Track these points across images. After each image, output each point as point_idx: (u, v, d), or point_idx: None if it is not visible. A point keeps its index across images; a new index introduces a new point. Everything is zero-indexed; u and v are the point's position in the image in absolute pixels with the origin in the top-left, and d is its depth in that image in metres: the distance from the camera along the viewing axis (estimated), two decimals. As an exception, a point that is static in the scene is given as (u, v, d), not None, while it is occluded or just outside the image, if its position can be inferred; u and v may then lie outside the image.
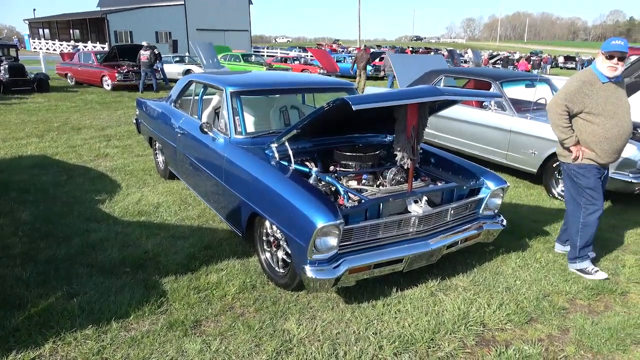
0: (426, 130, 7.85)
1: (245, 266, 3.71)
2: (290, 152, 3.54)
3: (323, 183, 3.53)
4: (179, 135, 4.92)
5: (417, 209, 3.28)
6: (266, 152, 3.76)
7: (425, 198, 3.35)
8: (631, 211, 5.23)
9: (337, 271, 2.95)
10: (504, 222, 3.85)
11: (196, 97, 4.98)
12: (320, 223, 2.81)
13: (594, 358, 2.79)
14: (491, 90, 6.54)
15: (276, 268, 3.49)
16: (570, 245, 3.82)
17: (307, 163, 3.83)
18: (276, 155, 3.62)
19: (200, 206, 4.97)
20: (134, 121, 6.75)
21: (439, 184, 3.67)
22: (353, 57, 19.29)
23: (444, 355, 2.77)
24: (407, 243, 3.29)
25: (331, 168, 3.86)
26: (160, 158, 5.98)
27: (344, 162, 3.79)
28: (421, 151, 4.20)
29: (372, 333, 2.93)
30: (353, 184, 3.67)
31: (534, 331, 3.02)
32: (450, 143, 7.16)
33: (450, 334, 2.96)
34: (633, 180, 5.00)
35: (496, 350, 2.80)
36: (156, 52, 16.15)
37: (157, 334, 2.87)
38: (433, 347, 2.84)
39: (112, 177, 6.00)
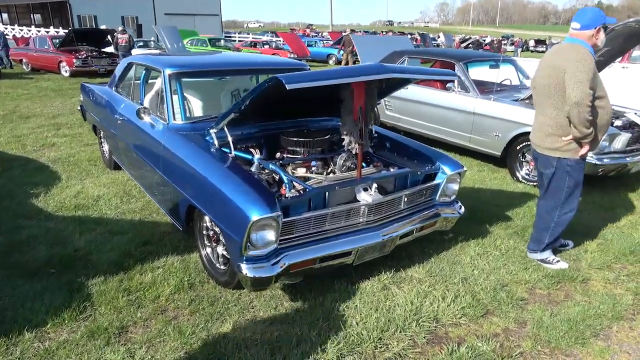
0: (390, 113, 7.70)
1: (185, 263, 3.41)
2: (230, 139, 3.23)
3: (266, 171, 3.24)
4: (119, 122, 4.55)
5: (367, 197, 3.03)
6: (207, 138, 3.45)
7: (375, 185, 3.10)
8: (594, 194, 5.12)
9: (276, 268, 2.68)
10: (462, 209, 3.65)
11: (137, 81, 4.60)
12: (254, 216, 2.54)
13: (552, 354, 2.61)
14: (455, 71, 6.32)
15: (217, 265, 3.21)
16: (533, 238, 3.63)
17: (251, 150, 3.54)
18: (215, 142, 3.30)
19: (144, 198, 4.62)
20: (79, 108, 6.31)
21: (392, 170, 3.43)
22: (342, 42, 18.84)
23: (392, 356, 2.55)
24: (357, 234, 3.05)
25: (277, 155, 3.58)
26: (106, 147, 5.58)
27: (290, 148, 3.50)
28: (375, 135, 3.96)
29: (316, 334, 2.69)
30: (301, 171, 3.40)
31: (489, 325, 2.83)
32: (413, 126, 6.95)
33: (401, 331, 2.74)
34: (597, 162, 4.87)
35: (448, 349, 2.60)
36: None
37: (75, 344, 2.56)
38: (381, 347, 2.61)
39: (54, 168, 5.58)
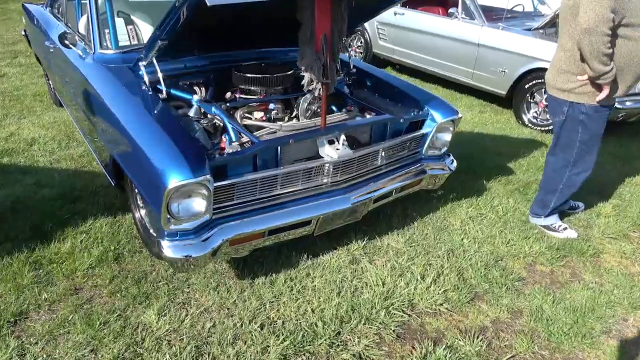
0: (383, 43, 6.79)
1: (115, 227, 2.83)
2: (160, 75, 2.52)
3: (209, 117, 2.58)
4: (51, 50, 3.78)
5: (332, 152, 2.38)
6: (139, 73, 2.73)
7: (343, 137, 2.44)
8: (610, 142, 4.42)
9: (208, 245, 2.10)
10: (454, 164, 3.00)
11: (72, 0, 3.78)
12: (172, 181, 1.91)
13: (552, 357, 2.09)
14: (460, -6, 5.39)
15: (151, 230, 2.63)
16: (537, 200, 3.02)
17: (196, 88, 2.84)
18: (145, 78, 2.59)
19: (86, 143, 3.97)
20: (23, 33, 5.47)
21: (368, 116, 2.75)
22: None
23: (349, 358, 2.03)
24: (319, 198, 2.43)
25: (228, 95, 2.88)
26: (51, 80, 4.84)
27: (243, 86, 2.80)
28: (354, 70, 3.22)
29: (259, 326, 2.16)
30: (258, 116, 2.73)
31: (476, 315, 2.30)
32: (409, 59, 6.12)
33: (366, 322, 2.21)
34: (618, 106, 4.15)
35: (421, 350, 2.07)
36: None
37: (-48, 336, 2.04)
38: (337, 345, 2.09)
39: (-6, 103, 4.87)
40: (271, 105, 2.77)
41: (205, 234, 2.11)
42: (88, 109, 2.87)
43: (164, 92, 2.52)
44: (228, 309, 2.28)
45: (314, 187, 2.43)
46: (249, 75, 2.74)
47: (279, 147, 2.29)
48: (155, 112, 2.34)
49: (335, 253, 2.69)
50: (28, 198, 3.10)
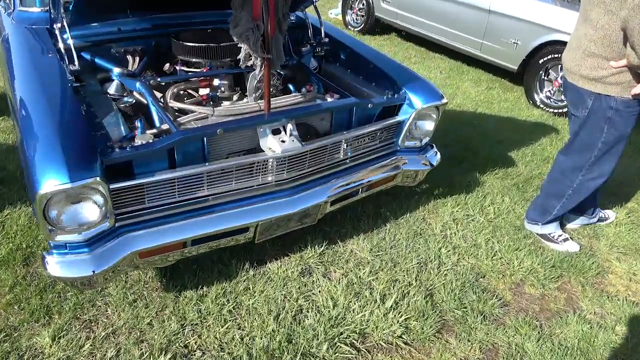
0: (386, 6, 6.07)
1: (34, 221, 2.44)
2: (71, 42, 2.05)
3: (135, 94, 2.13)
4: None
5: (275, 145, 1.92)
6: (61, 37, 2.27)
7: (291, 126, 1.97)
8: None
9: (105, 261, 1.69)
10: (437, 157, 2.51)
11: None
12: (45, 185, 1.49)
13: (526, 420, 1.67)
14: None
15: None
16: (536, 203, 2.53)
17: (129, 58, 2.38)
18: (60, 44, 2.12)
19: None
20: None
21: (330, 99, 2.26)
22: None
23: (273, 410, 1.64)
24: (259, 200, 2.00)
25: (166, 67, 2.41)
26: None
27: (184, 57, 2.32)
28: (326, 40, 2.70)
29: (170, 358, 1.78)
30: (203, 92, 2.27)
31: (440, 353, 1.87)
32: (413, 25, 5.50)
33: (302, 357, 1.81)
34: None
35: (363, 402, 1.67)
36: None
37: None
38: (261, 389, 1.70)
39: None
40: (216, 82, 2.30)
41: (101, 246, 1.70)
42: (4, 79, 2.44)
43: (75, 62, 2.05)
44: (140, 331, 1.89)
45: (253, 187, 1.98)
46: (189, 44, 2.26)
47: (204, 139, 1.84)
48: (54, 89, 1.88)
49: (285, 261, 2.27)
50: (-52, 178, 2.72)
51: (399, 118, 2.31)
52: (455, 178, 3.00)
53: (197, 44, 2.24)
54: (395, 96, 2.29)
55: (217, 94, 2.29)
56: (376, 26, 6.08)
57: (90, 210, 1.62)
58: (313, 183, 2.12)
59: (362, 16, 6.13)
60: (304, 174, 2.08)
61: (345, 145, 2.17)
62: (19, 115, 1.76)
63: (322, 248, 2.35)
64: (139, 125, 1.86)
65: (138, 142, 1.75)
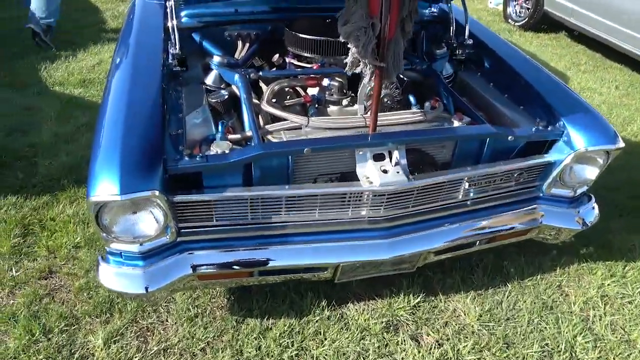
0: (561, 0, 5.01)
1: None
2: (175, 23, 1.87)
3: (233, 88, 1.89)
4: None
5: (374, 174, 1.53)
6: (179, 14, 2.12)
7: (398, 154, 1.55)
8: None
9: (159, 279, 1.49)
10: (594, 215, 1.88)
11: None
12: (94, 194, 1.30)
13: None
14: None
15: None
16: None
17: (239, 43, 2.16)
18: (169, 20, 1.93)
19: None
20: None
21: (457, 123, 1.76)
22: None
23: None
24: (346, 237, 1.63)
25: (275, 57, 2.14)
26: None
27: (295, 49, 2.02)
28: (469, 41, 2.18)
29: (211, 403, 1.54)
30: (311, 92, 1.97)
31: None
32: (592, 26, 4.52)
33: None
34: None
35: None
36: None
37: None
38: None
39: (108, 27, 4.77)
40: (326, 82, 1.96)
41: (158, 262, 1.50)
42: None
43: (177, 47, 1.86)
44: (192, 355, 1.69)
45: (341, 220, 1.63)
46: (301, 35, 1.94)
47: (290, 157, 1.52)
48: (144, 79, 1.69)
49: (369, 305, 1.90)
50: (48, 150, 2.83)
51: (549, 158, 1.74)
52: (613, 236, 2.30)
53: (309, 37, 1.92)
54: (549, 128, 1.73)
55: (325, 96, 1.96)
56: (542, 22, 5.17)
57: (147, 223, 1.42)
58: (417, 225, 1.69)
59: (528, 9, 5.26)
60: (407, 213, 1.66)
61: (467, 184, 1.69)
62: (102, 100, 1.62)
63: (418, 299, 1.92)
64: (220, 129, 1.60)
65: (212, 150, 1.50)
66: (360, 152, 1.55)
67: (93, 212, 1.33)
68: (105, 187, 1.29)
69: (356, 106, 1.96)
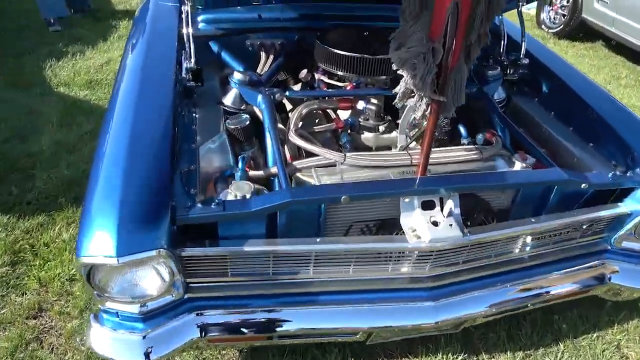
0: (600, 7, 4.62)
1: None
2: (189, 30, 1.62)
3: (255, 110, 1.64)
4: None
5: (422, 226, 1.27)
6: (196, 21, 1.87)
7: (452, 203, 1.29)
8: None
9: (163, 346, 1.24)
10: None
11: None
12: (85, 252, 1.06)
13: None
14: None
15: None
16: None
17: (262, 53, 1.91)
18: (184, 27, 1.68)
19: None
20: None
21: (520, 165, 1.49)
22: None
23: None
24: (384, 298, 1.38)
25: (303, 73, 1.87)
26: None
27: (326, 66, 1.75)
28: (525, 61, 1.91)
29: None
30: (343, 115, 1.72)
31: None
32: (635, 37, 4.20)
33: None
34: None
35: None
36: None
37: None
38: None
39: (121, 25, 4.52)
40: (360, 104, 1.70)
41: (162, 324, 1.25)
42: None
43: (192, 60, 1.61)
44: None
45: (378, 279, 1.37)
46: (335, 50, 1.68)
47: (322, 206, 1.27)
48: (151, 103, 1.43)
49: (402, 366, 1.65)
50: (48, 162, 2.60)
51: (625, 208, 1.47)
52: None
53: (343, 52, 1.65)
54: (629, 174, 1.45)
55: (359, 120, 1.70)
56: (579, 30, 4.85)
57: (150, 282, 1.18)
58: (467, 284, 1.43)
59: (564, 15, 4.93)
60: (456, 271, 1.40)
61: (526, 239, 1.43)
62: (102, 125, 1.38)
63: (460, 359, 1.67)
64: (240, 166, 1.35)
65: (231, 193, 1.24)
66: (407, 200, 1.29)
67: (83, 273, 1.09)
68: (99, 244, 1.05)
69: (394, 133, 1.71)
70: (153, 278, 1.17)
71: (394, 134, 1.72)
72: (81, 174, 2.37)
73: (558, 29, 4.99)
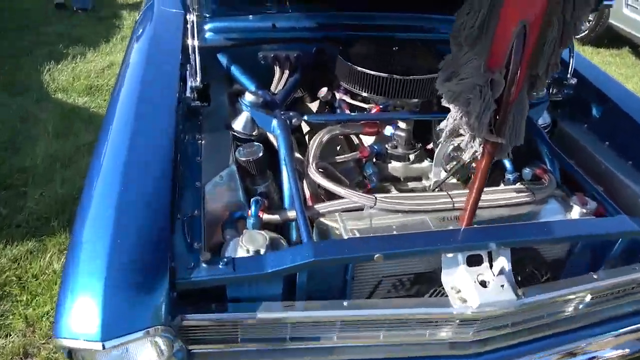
0: (630, 14, 4.37)
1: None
2: (194, 42, 1.42)
3: (269, 136, 1.44)
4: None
5: (468, 287, 1.07)
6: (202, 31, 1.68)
7: (505, 260, 1.09)
8: None
9: None
10: None
11: None
12: (64, 334, 0.85)
13: None
14: None
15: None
16: None
17: (276, 68, 1.70)
18: (189, 38, 1.48)
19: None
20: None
21: (579, 209, 1.27)
22: None
23: None
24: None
25: (323, 92, 1.67)
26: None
27: (348, 85, 1.54)
28: (573, 81, 1.70)
29: None
30: (367, 141, 1.52)
31: None
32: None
33: None
34: None
35: None
36: None
37: None
38: None
39: (120, 24, 4.33)
40: (388, 130, 1.49)
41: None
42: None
43: (198, 77, 1.41)
44: None
45: (413, 344, 1.17)
46: (360, 69, 1.47)
47: (349, 265, 1.07)
48: (148, 139, 1.21)
49: None
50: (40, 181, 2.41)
51: (698, 264, 1.25)
52: None
53: (370, 71, 1.44)
54: None
55: (387, 148, 1.50)
56: (605, 36, 4.61)
57: (146, 356, 0.98)
58: (514, 350, 1.22)
59: (589, 20, 4.68)
60: (502, 335, 1.20)
61: (588, 297, 1.22)
62: (91, 161, 1.17)
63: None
64: (253, 210, 1.15)
65: (242, 247, 1.04)
66: (450, 255, 1.09)
67: (65, 354, 0.90)
68: (81, 324, 0.85)
69: (426, 162, 1.51)
70: (149, 353, 0.98)
71: (425, 163, 1.52)
72: (76, 192, 2.18)
73: (583, 34, 4.74)
